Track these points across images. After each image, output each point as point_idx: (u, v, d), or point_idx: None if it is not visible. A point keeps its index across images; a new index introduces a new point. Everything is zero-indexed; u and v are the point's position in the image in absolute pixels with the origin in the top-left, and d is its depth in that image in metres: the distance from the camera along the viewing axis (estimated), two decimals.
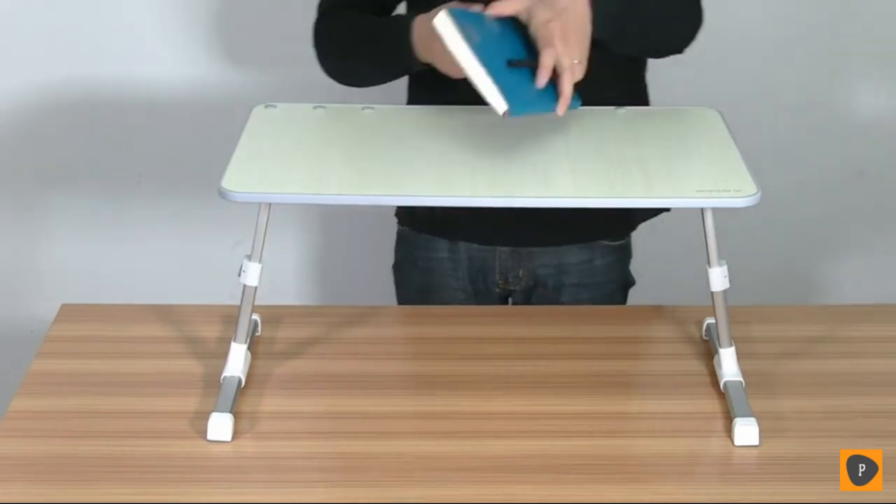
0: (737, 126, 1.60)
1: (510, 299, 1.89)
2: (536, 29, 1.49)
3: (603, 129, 1.58)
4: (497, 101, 1.43)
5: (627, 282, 1.92)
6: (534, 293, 1.86)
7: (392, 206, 1.90)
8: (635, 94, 1.77)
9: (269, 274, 1.51)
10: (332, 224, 2.45)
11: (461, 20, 1.45)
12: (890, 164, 2.41)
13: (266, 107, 1.63)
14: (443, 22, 1.44)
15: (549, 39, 1.48)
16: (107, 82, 2.29)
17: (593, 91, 1.57)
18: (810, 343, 1.65)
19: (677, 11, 1.65)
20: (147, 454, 1.42)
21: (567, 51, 1.48)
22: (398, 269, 1.93)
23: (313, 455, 1.43)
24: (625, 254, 1.90)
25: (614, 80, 1.66)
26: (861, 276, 2.47)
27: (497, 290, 1.86)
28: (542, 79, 1.47)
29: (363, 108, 1.63)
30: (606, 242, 1.85)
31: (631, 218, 1.88)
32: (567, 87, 1.47)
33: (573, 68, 1.47)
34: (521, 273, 1.83)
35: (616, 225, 1.87)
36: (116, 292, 2.25)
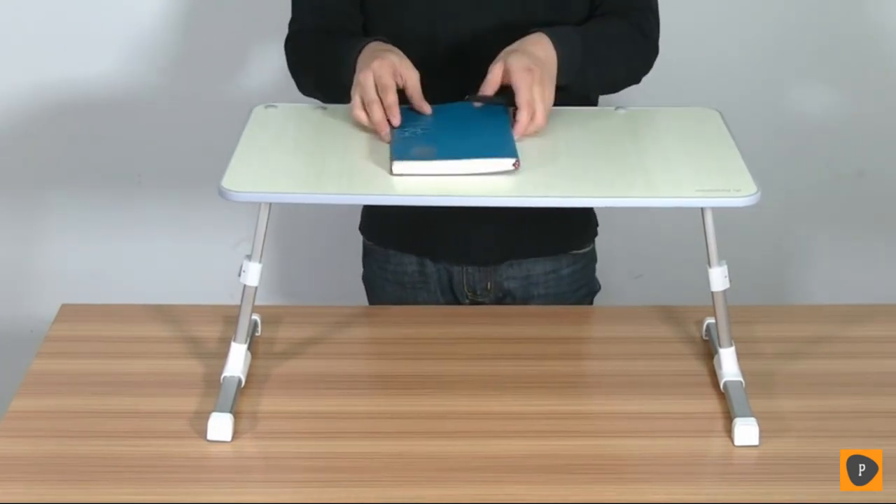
0: (737, 126, 1.60)
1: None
2: (515, 73, 1.52)
3: (603, 129, 1.58)
4: (499, 165, 1.44)
5: (593, 289, 1.92)
6: (502, 305, 1.85)
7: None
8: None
9: (269, 274, 1.51)
10: (333, 223, 2.45)
11: (404, 147, 1.48)
12: (890, 164, 2.41)
13: (266, 107, 1.63)
14: (400, 169, 1.44)
15: (529, 83, 1.51)
16: (107, 82, 2.29)
17: None
18: (810, 343, 1.65)
19: (633, 53, 1.70)
20: (147, 454, 1.42)
21: (542, 94, 1.52)
22: (368, 281, 1.92)
23: (313, 455, 1.43)
24: (590, 261, 1.90)
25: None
26: (861, 276, 2.47)
27: (467, 301, 1.85)
28: (525, 114, 1.51)
29: None
30: (573, 252, 1.85)
31: (593, 224, 1.88)
32: (529, 122, 1.51)
33: (543, 110, 1.52)
34: (489, 286, 1.83)
35: (581, 233, 1.87)
36: (116, 292, 2.25)
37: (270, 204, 1.46)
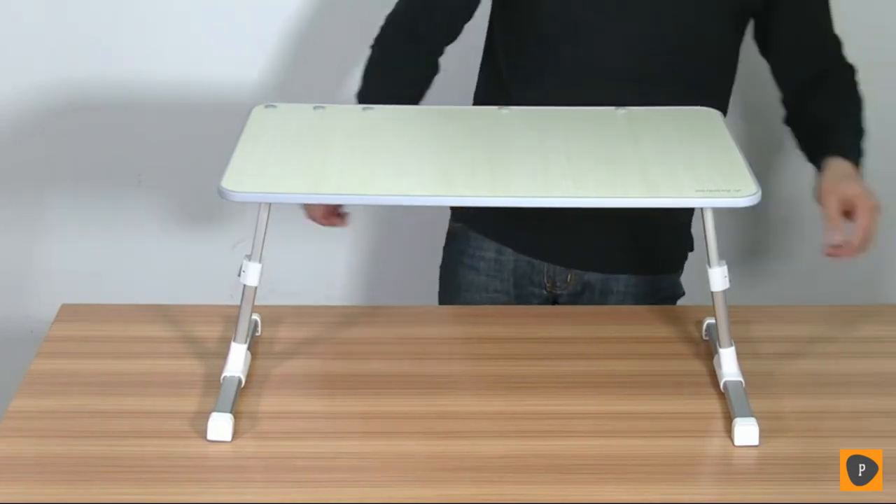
0: (737, 126, 1.59)
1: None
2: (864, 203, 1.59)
3: (603, 129, 1.58)
4: None
5: (676, 293, 1.92)
6: (581, 298, 1.87)
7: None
8: None
9: (269, 274, 1.51)
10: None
11: None
12: (890, 165, 2.41)
13: (266, 107, 1.63)
14: None
15: (874, 216, 1.60)
16: (107, 82, 2.29)
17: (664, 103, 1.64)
18: (810, 343, 1.65)
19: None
20: (147, 454, 1.42)
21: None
22: (445, 268, 1.95)
23: (313, 455, 1.43)
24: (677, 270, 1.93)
25: (690, 93, 1.71)
26: (861, 277, 2.47)
27: (545, 292, 1.87)
28: (860, 239, 1.59)
29: (363, 109, 1.63)
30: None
31: (685, 252, 1.91)
32: (858, 247, 1.60)
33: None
34: (569, 278, 1.85)
35: (662, 263, 1.89)
36: (116, 292, 2.25)
37: (270, 204, 1.46)
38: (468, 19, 1.78)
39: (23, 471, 1.40)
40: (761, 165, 1.51)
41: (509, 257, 1.86)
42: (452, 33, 1.78)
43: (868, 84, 2.38)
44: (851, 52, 2.33)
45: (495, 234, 1.86)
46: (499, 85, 1.79)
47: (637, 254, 1.84)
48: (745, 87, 2.34)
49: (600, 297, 1.86)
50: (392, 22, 1.78)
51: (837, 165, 1.62)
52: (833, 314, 1.74)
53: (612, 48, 1.69)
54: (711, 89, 1.77)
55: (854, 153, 1.66)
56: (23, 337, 2.33)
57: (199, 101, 2.32)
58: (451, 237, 1.94)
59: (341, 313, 1.73)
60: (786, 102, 1.79)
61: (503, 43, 1.79)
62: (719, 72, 1.78)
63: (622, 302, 1.86)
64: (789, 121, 1.78)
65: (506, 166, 1.47)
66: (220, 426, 1.44)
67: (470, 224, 1.89)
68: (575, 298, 1.87)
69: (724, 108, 1.78)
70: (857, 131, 1.71)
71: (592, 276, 1.85)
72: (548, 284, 1.86)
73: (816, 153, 1.66)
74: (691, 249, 1.92)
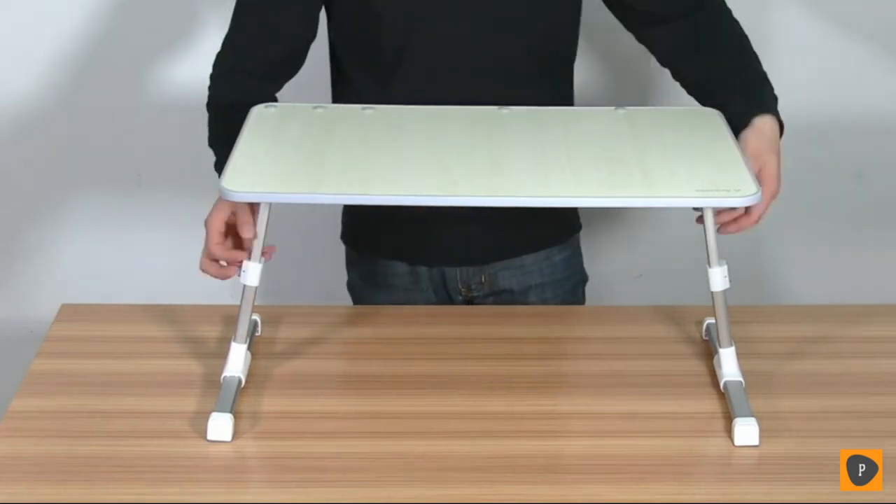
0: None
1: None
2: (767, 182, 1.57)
3: (603, 128, 1.58)
4: None
5: (584, 277, 1.93)
6: (499, 298, 1.85)
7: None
8: (563, 94, 1.78)
9: (268, 274, 1.51)
10: (332, 223, 2.45)
11: None
12: (890, 164, 2.41)
13: (266, 107, 1.63)
14: None
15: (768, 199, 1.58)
16: (107, 82, 2.29)
17: (517, 90, 1.64)
18: (810, 343, 1.65)
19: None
20: (147, 454, 1.42)
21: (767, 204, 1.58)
22: (354, 288, 1.92)
23: (313, 455, 1.43)
24: (578, 248, 1.92)
25: (540, 79, 1.70)
26: (861, 277, 2.47)
27: (461, 297, 1.85)
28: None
29: (363, 109, 1.63)
30: (562, 242, 1.88)
31: (575, 219, 1.90)
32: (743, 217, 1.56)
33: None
34: (482, 280, 1.83)
35: (569, 224, 1.89)
36: (116, 292, 2.25)
37: (270, 204, 1.47)
38: (311, 40, 1.71)
39: (23, 471, 1.40)
40: None
41: (422, 269, 1.83)
42: (293, 66, 1.72)
43: (866, 85, 2.38)
44: (850, 54, 2.33)
45: (401, 254, 1.83)
46: (351, 92, 1.75)
47: (533, 229, 1.81)
48: None
49: (520, 296, 1.84)
50: (227, 68, 1.74)
51: (766, 130, 1.61)
52: (833, 314, 1.74)
53: (459, 64, 1.67)
54: (565, 75, 1.77)
55: (776, 110, 1.66)
56: (23, 337, 2.32)
57: (199, 101, 2.32)
58: (354, 262, 1.91)
59: (341, 313, 1.73)
60: (672, 51, 1.72)
61: (342, 52, 1.75)
62: (569, 52, 1.77)
63: (541, 295, 1.84)
64: (685, 71, 1.72)
65: (506, 166, 1.47)
66: (220, 426, 1.44)
67: (371, 251, 1.86)
68: (493, 301, 1.85)
69: (572, 94, 1.79)
70: (767, 79, 1.71)
71: (505, 275, 1.83)
72: (463, 290, 1.84)
73: (743, 108, 1.62)
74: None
